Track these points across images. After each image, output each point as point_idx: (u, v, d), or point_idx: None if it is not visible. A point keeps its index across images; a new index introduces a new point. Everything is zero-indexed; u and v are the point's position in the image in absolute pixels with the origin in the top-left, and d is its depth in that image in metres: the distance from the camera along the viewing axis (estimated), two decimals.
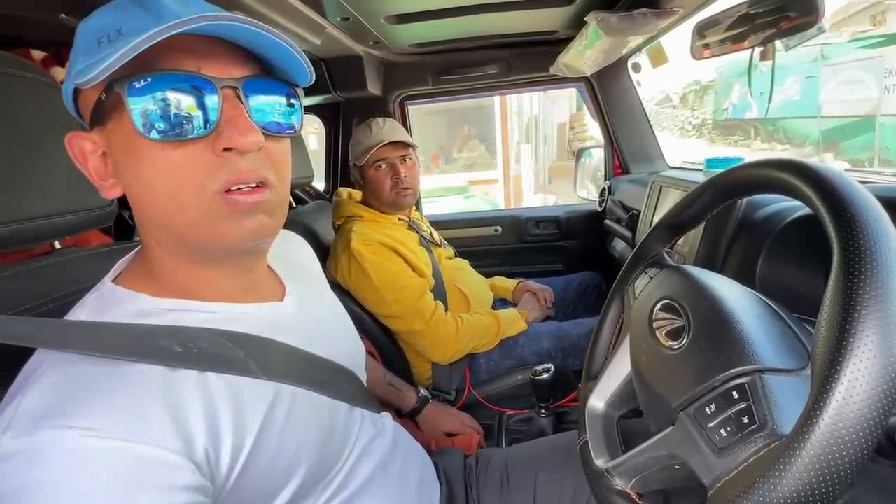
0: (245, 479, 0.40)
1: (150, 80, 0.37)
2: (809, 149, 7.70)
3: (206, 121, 0.38)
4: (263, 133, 0.41)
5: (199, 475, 0.36)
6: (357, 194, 1.35)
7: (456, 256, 1.44)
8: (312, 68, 0.43)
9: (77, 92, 0.41)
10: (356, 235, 1.13)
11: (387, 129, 1.24)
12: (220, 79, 0.39)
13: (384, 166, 1.22)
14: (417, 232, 1.30)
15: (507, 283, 1.48)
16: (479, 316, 1.20)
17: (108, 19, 0.39)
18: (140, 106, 0.37)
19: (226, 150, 0.39)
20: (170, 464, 0.35)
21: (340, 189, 1.37)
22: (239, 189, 0.40)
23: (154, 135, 0.37)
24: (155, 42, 0.34)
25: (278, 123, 0.43)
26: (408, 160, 1.25)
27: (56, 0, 0.69)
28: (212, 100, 0.38)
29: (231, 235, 0.41)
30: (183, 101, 0.37)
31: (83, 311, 0.43)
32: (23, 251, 0.58)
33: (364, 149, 1.23)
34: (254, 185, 0.41)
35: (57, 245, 0.62)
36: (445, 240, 1.46)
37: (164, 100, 0.37)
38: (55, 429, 0.32)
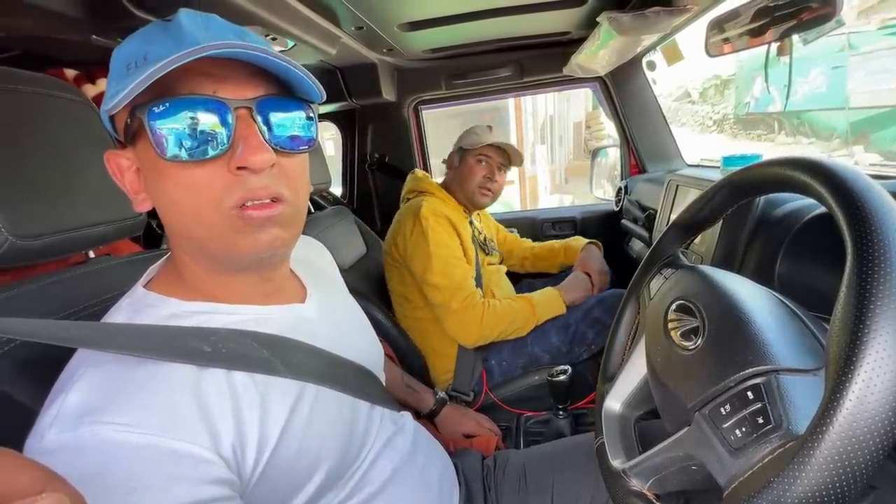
0: (270, 473, 0.42)
1: (167, 104, 0.39)
2: (837, 142, 7.43)
3: (220, 141, 0.40)
4: (277, 150, 0.42)
5: (228, 470, 0.39)
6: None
7: (500, 264, 1.46)
8: (322, 88, 0.44)
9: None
10: (427, 204, 1.22)
11: (504, 137, 1.33)
12: (234, 100, 0.40)
13: (484, 162, 1.30)
14: (473, 230, 1.35)
15: (576, 244, 1.47)
16: (509, 301, 1.20)
17: (135, 45, 0.41)
18: (159, 129, 0.39)
19: (240, 168, 0.40)
20: (201, 458, 0.37)
21: (416, 169, 1.45)
22: (253, 204, 0.42)
23: (172, 156, 0.39)
24: (166, 72, 0.36)
25: (292, 140, 0.44)
26: (503, 171, 1.34)
27: (87, 23, 0.73)
28: (226, 120, 0.40)
29: (247, 248, 0.43)
30: (199, 123, 0.39)
31: (119, 315, 0.45)
32: (59, 261, 0.62)
33: (478, 139, 1.31)
34: (267, 200, 0.42)
35: (91, 254, 0.65)
36: None
37: (181, 122, 0.39)
38: (95, 424, 0.35)
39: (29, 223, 0.49)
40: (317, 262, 0.68)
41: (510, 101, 6.80)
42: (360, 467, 0.53)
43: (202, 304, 0.47)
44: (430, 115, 1.93)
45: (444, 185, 1.37)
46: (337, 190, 2.00)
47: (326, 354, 0.52)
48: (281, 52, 1.10)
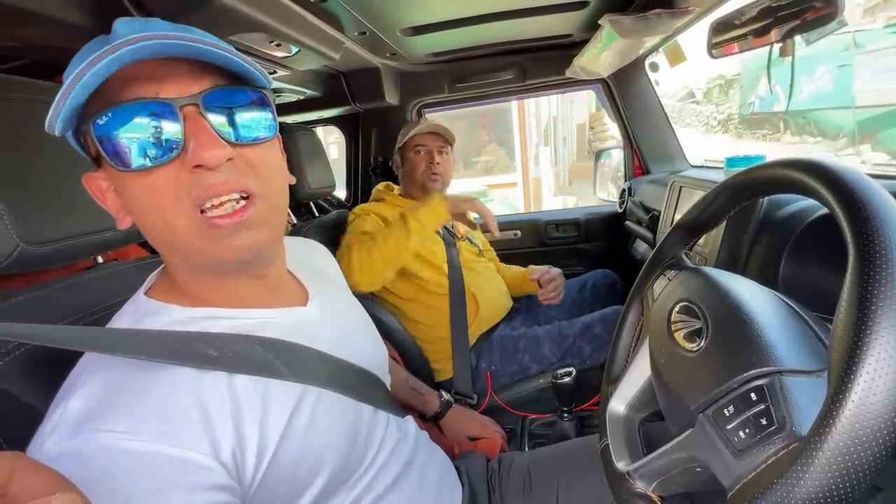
0: (270, 478, 0.42)
1: (109, 114, 0.37)
2: (843, 141, 7.37)
3: (172, 142, 0.38)
4: (235, 143, 0.41)
5: (228, 476, 0.39)
6: (396, 189, 1.46)
7: (480, 255, 1.43)
8: (265, 72, 0.43)
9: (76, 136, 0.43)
10: (358, 208, 1.29)
11: (431, 122, 1.38)
12: (179, 98, 0.38)
13: (422, 152, 1.36)
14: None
15: (520, 272, 1.44)
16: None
17: (77, 63, 0.38)
18: (107, 141, 0.38)
19: (196, 167, 0.39)
20: (200, 465, 0.37)
21: (381, 183, 1.48)
22: (220, 207, 0.40)
23: (126, 166, 0.38)
24: (80, 80, 0.35)
25: (248, 130, 0.42)
26: (444, 153, 1.38)
27: (96, 32, 0.74)
28: (173, 120, 0.38)
29: (222, 254, 0.42)
30: (146, 128, 0.38)
31: (122, 322, 0.46)
32: (69, 266, 0.63)
33: (406, 132, 1.38)
34: (235, 198, 0.41)
35: (99, 259, 0.66)
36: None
37: (128, 130, 0.37)
38: (95, 432, 0.35)
39: (38, 229, 0.50)
40: (318, 264, 0.68)
41: (513, 104, 6.80)
42: (367, 473, 0.53)
43: (204, 310, 0.47)
44: (432, 119, 1.94)
45: (403, 190, 1.42)
46: (341, 193, 2.01)
47: (330, 358, 0.52)
48: (285, 58, 1.11)
